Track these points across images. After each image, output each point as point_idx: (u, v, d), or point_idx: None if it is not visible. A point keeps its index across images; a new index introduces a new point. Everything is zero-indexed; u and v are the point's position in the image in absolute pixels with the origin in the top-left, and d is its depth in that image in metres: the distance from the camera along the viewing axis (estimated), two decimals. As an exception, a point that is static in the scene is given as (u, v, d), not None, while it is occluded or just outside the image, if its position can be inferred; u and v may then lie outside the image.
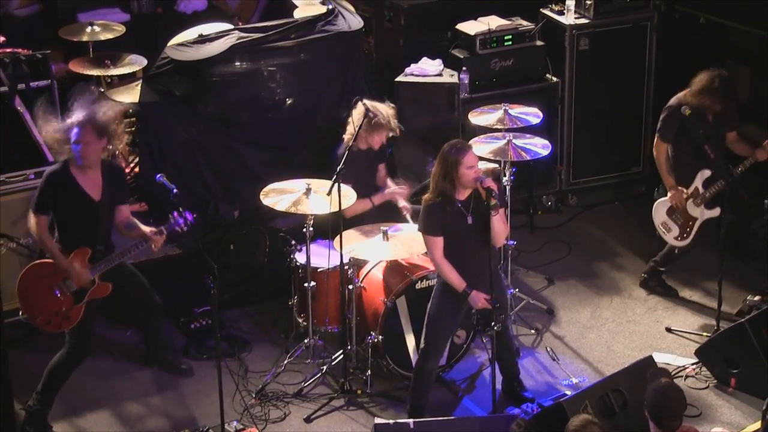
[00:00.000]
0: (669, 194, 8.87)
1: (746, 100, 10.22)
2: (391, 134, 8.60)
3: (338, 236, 7.82)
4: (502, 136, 8.62)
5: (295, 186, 8.16)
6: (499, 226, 7.28)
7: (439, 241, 7.33)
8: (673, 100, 8.80)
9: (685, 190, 8.79)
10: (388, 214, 8.56)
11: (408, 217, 8.49)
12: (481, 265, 7.28)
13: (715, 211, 8.71)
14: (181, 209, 7.46)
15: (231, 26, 9.58)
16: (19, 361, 7.96)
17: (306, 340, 8.31)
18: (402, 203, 8.64)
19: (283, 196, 8.08)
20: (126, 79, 9.85)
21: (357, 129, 8.24)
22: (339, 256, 7.89)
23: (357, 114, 8.36)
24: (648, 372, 6.85)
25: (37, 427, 7.64)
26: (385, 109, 8.47)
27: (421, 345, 7.63)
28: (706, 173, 8.72)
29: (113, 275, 7.63)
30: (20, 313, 7.83)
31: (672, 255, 9.03)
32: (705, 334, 8.51)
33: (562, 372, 8.28)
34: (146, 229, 7.59)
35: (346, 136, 8.46)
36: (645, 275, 9.26)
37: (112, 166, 7.66)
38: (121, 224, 7.67)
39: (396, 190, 8.67)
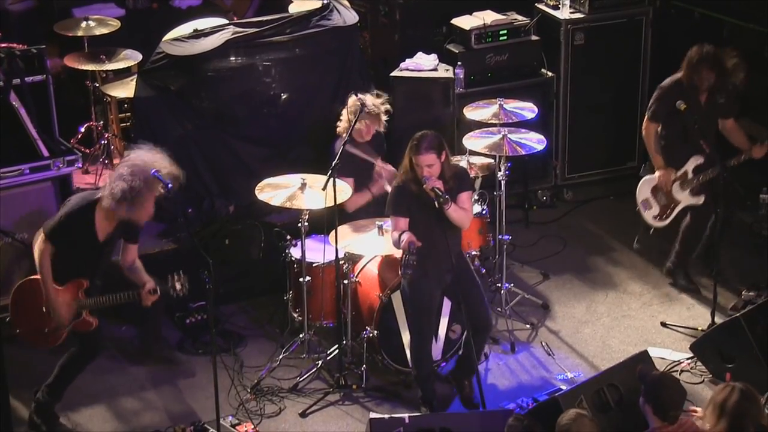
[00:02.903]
0: (657, 174, 8.91)
1: (741, 94, 10.24)
2: (383, 122, 8.58)
3: (333, 231, 7.82)
4: (498, 131, 8.64)
5: (291, 181, 8.16)
6: (457, 215, 7.30)
7: (402, 222, 7.38)
8: (666, 81, 8.85)
9: (674, 173, 8.83)
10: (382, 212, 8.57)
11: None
12: (444, 248, 7.29)
13: (699, 199, 8.80)
14: (181, 272, 7.42)
15: (226, 21, 9.59)
16: (17, 357, 7.97)
17: (301, 335, 8.31)
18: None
19: (278, 191, 8.08)
20: (121, 74, 9.84)
21: (353, 122, 8.24)
22: (334, 251, 7.88)
23: (351, 107, 8.36)
24: (636, 370, 6.86)
25: (45, 418, 7.66)
26: (374, 99, 8.47)
27: (412, 332, 7.68)
28: (699, 160, 8.78)
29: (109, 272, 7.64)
30: (6, 318, 7.83)
31: (691, 242, 9.04)
32: (700, 328, 8.52)
33: (558, 367, 8.29)
34: (146, 279, 7.53)
35: (341, 131, 8.47)
36: (671, 264, 9.21)
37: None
38: (127, 265, 7.64)
39: (381, 168, 8.63)
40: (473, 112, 8.94)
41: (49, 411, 7.68)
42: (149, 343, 8.31)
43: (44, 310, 7.44)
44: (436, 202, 7.19)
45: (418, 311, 7.59)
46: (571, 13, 10.24)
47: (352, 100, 8.37)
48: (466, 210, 7.40)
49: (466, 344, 7.76)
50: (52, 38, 10.08)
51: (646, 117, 8.94)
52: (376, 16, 10.66)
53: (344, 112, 8.51)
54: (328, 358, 8.20)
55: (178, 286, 7.42)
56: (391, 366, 8.05)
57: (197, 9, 11.02)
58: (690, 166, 8.82)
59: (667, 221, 8.97)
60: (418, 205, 7.35)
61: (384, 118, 8.55)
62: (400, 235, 7.33)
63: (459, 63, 9.86)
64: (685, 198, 8.87)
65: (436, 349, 7.97)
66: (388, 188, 8.60)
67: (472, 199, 7.66)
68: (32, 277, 7.60)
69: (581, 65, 10.27)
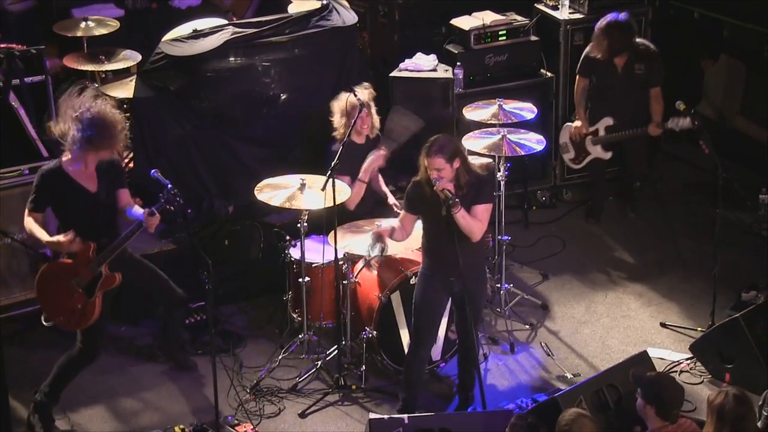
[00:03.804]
0: (574, 123, 9.75)
1: (741, 94, 10.24)
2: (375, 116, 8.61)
3: (333, 232, 7.82)
4: (497, 131, 8.64)
5: (290, 181, 8.15)
6: (465, 222, 7.18)
7: (408, 218, 7.50)
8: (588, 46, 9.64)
9: (587, 127, 9.68)
10: (382, 212, 8.57)
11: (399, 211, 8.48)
12: (454, 255, 7.18)
13: (608, 155, 9.73)
14: (169, 188, 7.37)
15: (225, 21, 9.59)
16: (17, 357, 7.99)
17: (300, 336, 8.31)
18: (392, 200, 8.66)
19: (277, 191, 8.08)
20: (120, 75, 9.85)
21: (352, 123, 8.23)
22: (333, 252, 7.89)
23: (349, 107, 8.33)
24: (630, 373, 6.87)
25: (42, 419, 7.65)
26: (362, 90, 8.46)
27: (411, 333, 7.64)
28: (608, 121, 9.61)
29: (133, 272, 7.64)
30: (42, 318, 7.82)
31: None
32: (699, 329, 8.52)
33: (557, 367, 8.28)
34: (141, 210, 7.53)
35: (340, 129, 8.45)
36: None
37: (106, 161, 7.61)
38: (124, 210, 7.65)
39: (373, 158, 8.59)
40: (472, 113, 8.94)
41: (46, 412, 7.66)
42: (171, 351, 8.30)
43: (68, 286, 7.40)
44: (444, 206, 7.16)
45: (418, 314, 7.55)
46: (570, 13, 10.24)
47: (351, 101, 8.33)
48: (477, 221, 7.25)
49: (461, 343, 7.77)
50: (52, 38, 10.08)
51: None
52: (375, 17, 10.66)
53: (336, 114, 8.47)
54: (328, 358, 8.20)
55: (170, 199, 7.33)
56: (391, 366, 8.05)
57: (196, 9, 11.03)
58: (602, 125, 9.63)
59: (582, 165, 9.92)
60: (428, 207, 7.31)
61: (373, 110, 8.54)
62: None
63: (458, 63, 9.86)
64: (595, 151, 9.77)
65: (436, 349, 7.98)
66: (390, 199, 8.66)
67: (488, 212, 7.41)
68: (46, 264, 7.60)
69: (581, 65, 10.26)
